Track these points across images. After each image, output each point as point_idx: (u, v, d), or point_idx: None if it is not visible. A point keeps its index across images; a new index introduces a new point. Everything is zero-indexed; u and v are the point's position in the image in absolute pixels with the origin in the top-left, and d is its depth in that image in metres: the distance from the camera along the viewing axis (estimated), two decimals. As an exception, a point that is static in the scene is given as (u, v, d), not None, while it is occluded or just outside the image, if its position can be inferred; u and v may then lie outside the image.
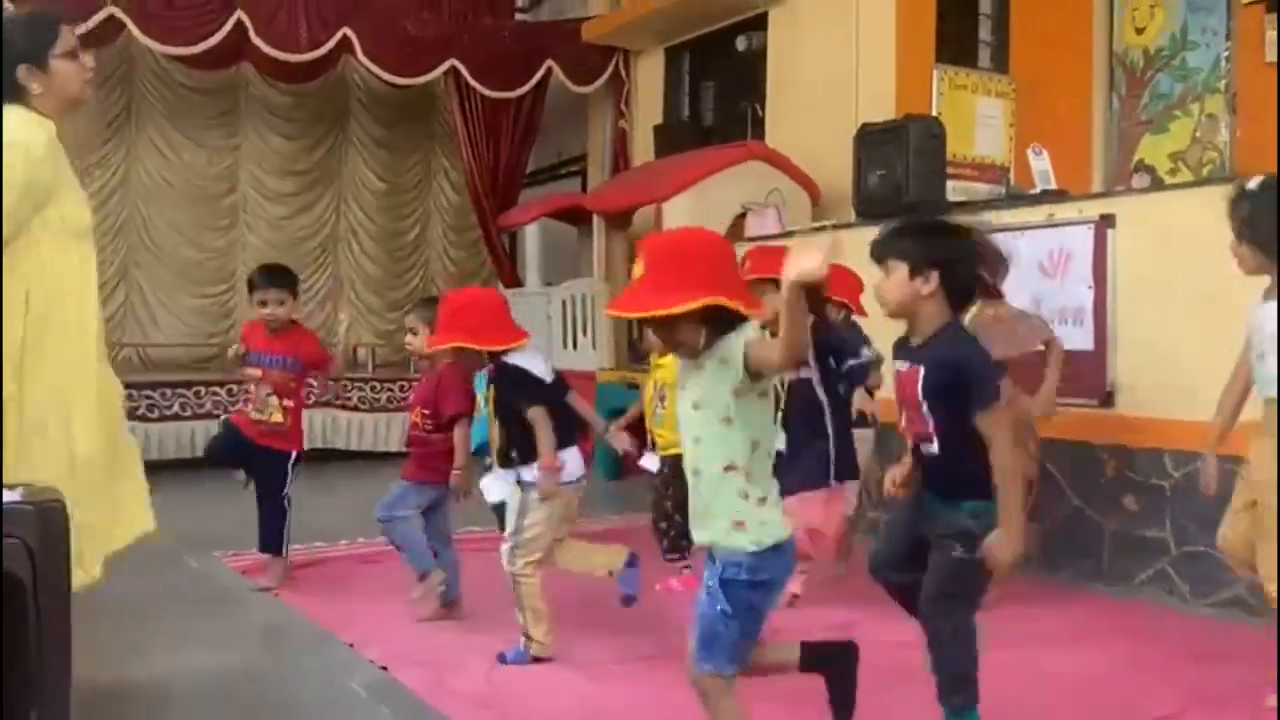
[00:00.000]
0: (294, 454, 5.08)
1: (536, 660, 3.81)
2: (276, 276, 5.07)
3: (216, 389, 9.02)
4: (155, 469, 8.69)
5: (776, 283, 2.51)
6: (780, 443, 3.96)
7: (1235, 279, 4.57)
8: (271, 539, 5.10)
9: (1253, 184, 3.64)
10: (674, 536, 5.01)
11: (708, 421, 2.47)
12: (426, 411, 4.40)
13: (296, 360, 5.00)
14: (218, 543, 5.84)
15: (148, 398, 8.72)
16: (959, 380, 2.78)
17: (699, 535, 2.57)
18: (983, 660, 3.85)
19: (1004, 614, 4.36)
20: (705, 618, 2.51)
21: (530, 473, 3.78)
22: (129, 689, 3.63)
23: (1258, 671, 3.75)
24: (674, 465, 4.92)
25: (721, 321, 2.43)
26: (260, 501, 5.16)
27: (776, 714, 3.08)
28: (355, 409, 9.33)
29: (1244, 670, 3.77)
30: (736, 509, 2.46)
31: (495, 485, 4.46)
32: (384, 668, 3.80)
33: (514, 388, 3.82)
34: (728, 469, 2.46)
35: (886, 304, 2.92)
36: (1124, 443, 4.95)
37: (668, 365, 4.90)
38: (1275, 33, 6.95)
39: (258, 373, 4.99)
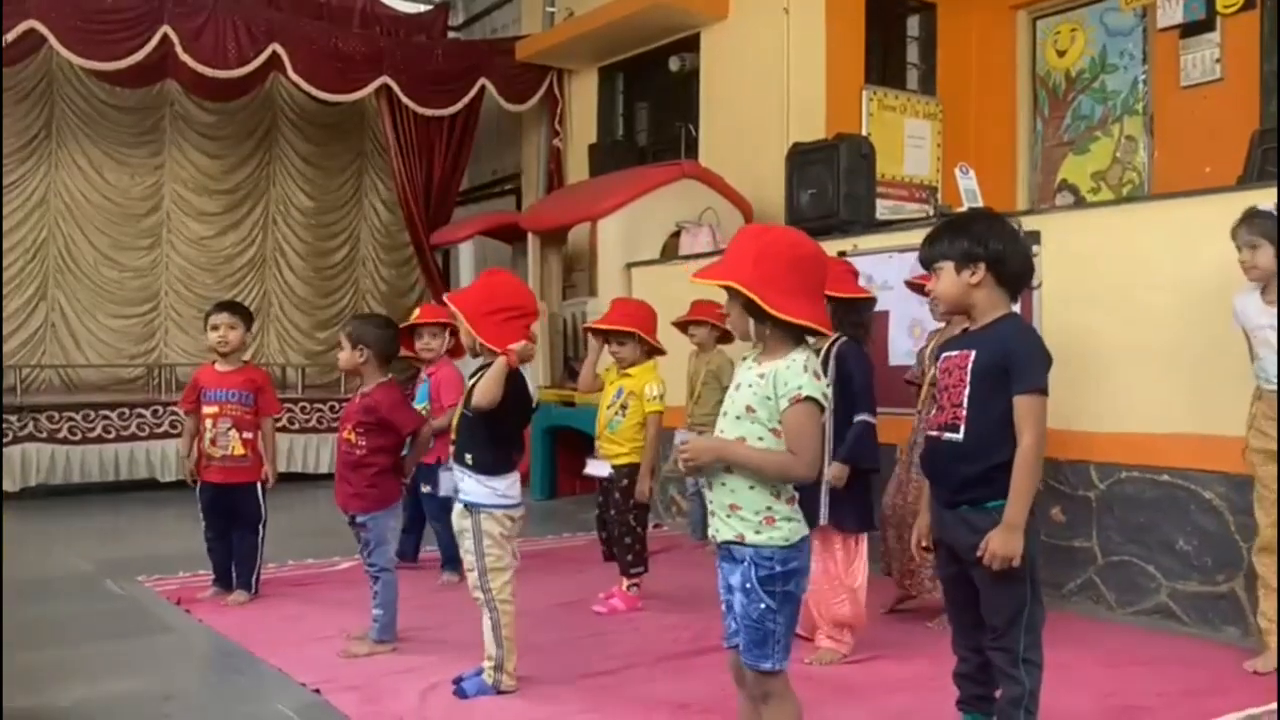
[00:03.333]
0: (260, 483, 5.06)
1: (500, 693, 3.65)
2: (229, 304, 5.26)
3: (141, 410, 8.82)
4: (79, 493, 8.58)
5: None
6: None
7: (1158, 294, 4.73)
8: (246, 574, 5.08)
9: (1266, 206, 3.90)
10: (612, 548, 5.00)
11: (757, 426, 2.51)
12: (359, 429, 4.26)
13: (250, 393, 5.03)
14: (142, 567, 5.70)
15: (69, 420, 8.50)
16: (1009, 362, 2.76)
17: (723, 533, 2.56)
18: (911, 671, 3.92)
19: (934, 626, 4.42)
20: (750, 619, 2.52)
21: (478, 492, 3.65)
22: (52, 715, 3.50)
23: (1178, 679, 3.84)
24: (618, 474, 4.91)
25: (761, 316, 2.49)
26: (233, 537, 5.09)
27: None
28: (285, 430, 9.16)
29: (1165, 678, 3.86)
30: (769, 505, 2.50)
31: (446, 478, 4.34)
32: (316, 690, 3.72)
33: (514, 393, 3.69)
34: None
35: (942, 303, 3.00)
36: (1051, 455, 5.03)
37: (635, 374, 4.89)
38: (1189, 57, 7.18)
39: (213, 408, 4.99)
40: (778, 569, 2.50)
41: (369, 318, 4.63)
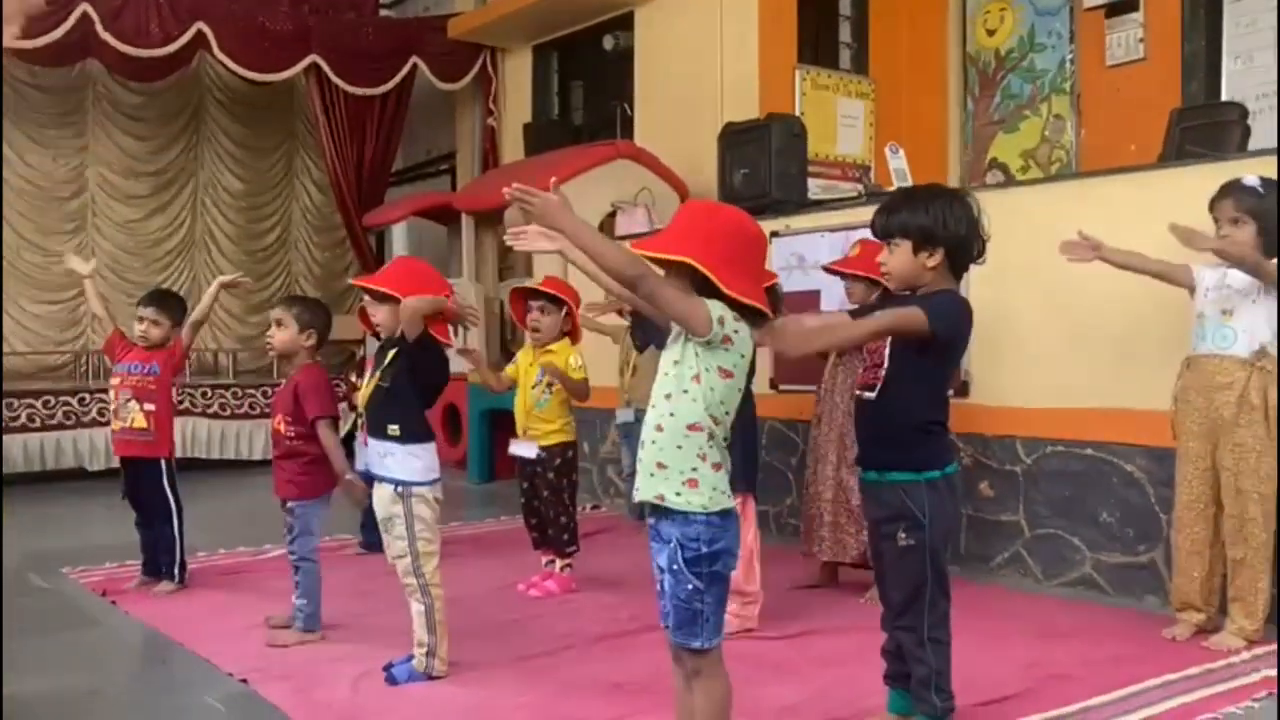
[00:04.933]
0: (163, 459, 4.96)
1: (431, 679, 3.63)
2: (158, 296, 5.10)
3: (67, 398, 8.62)
4: (3, 483, 8.33)
5: None
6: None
7: (1082, 270, 4.80)
8: (170, 564, 4.98)
9: (1251, 180, 3.83)
10: (543, 532, 4.98)
11: (680, 377, 2.49)
12: (289, 418, 4.22)
13: (154, 364, 4.94)
14: (68, 558, 5.59)
15: (-9, 408, 8.28)
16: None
17: (646, 491, 2.54)
18: (841, 645, 3.98)
19: (866, 601, 4.48)
20: (678, 599, 2.52)
21: (407, 467, 3.60)
22: (-33, 716, 3.43)
23: (1102, 648, 3.93)
24: (549, 455, 4.89)
25: (710, 295, 2.44)
26: (148, 524, 5.01)
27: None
28: (216, 416, 9.03)
29: (1089, 647, 3.95)
30: (693, 467, 2.48)
31: (363, 455, 4.29)
32: (244, 681, 3.67)
33: (434, 364, 3.68)
34: (691, 428, 2.47)
35: (891, 278, 2.96)
36: (979, 430, 5.12)
37: (558, 351, 4.86)
38: (1114, 37, 7.29)
39: (115, 380, 4.93)
40: (703, 550, 2.50)
41: (312, 301, 4.52)
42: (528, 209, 2.45)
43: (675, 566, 2.52)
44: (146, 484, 4.96)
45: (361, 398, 3.76)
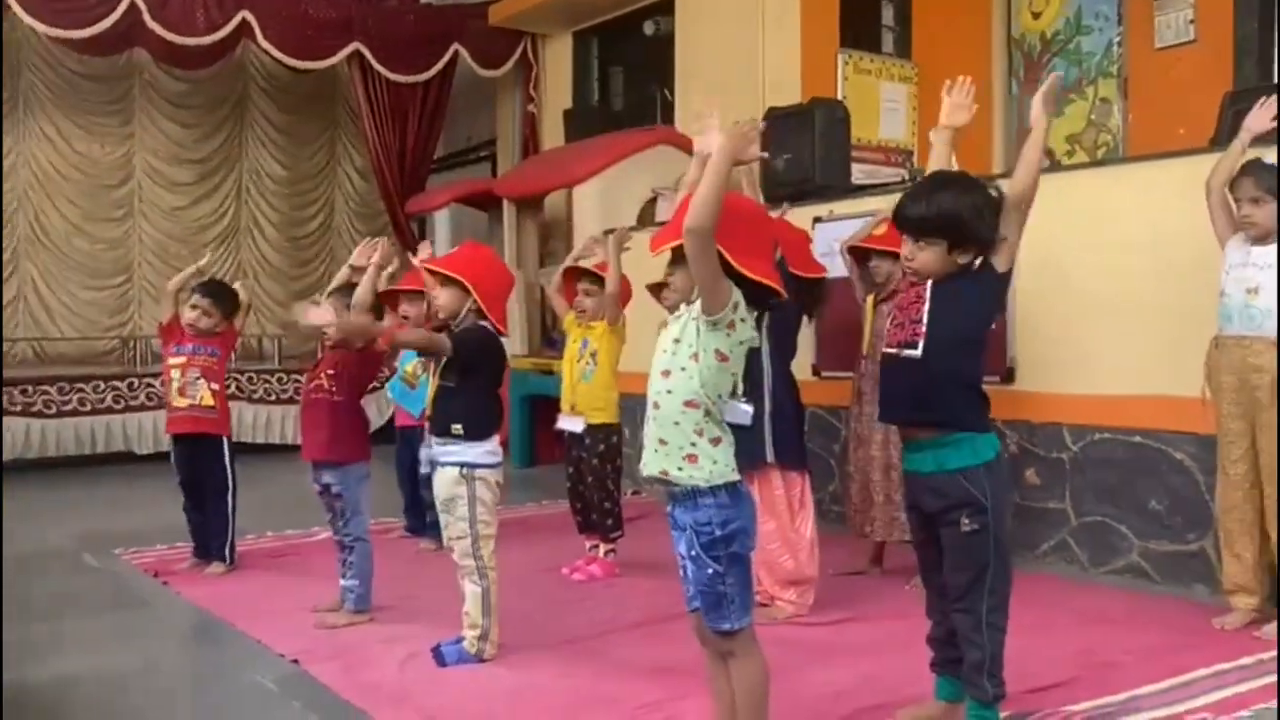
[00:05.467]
0: (225, 437, 5.10)
1: (482, 662, 3.67)
2: (211, 287, 5.22)
3: (116, 383, 8.76)
4: (53, 467, 8.53)
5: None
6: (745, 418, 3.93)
7: (1130, 256, 4.75)
8: (220, 546, 5.07)
9: (1271, 160, 3.81)
10: (588, 516, 5.01)
11: (678, 354, 2.53)
12: (332, 372, 4.20)
13: (214, 346, 5.10)
14: (119, 540, 5.69)
15: (44, 393, 8.44)
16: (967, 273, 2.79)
17: (650, 467, 2.59)
18: (886, 631, 3.97)
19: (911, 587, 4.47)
20: (701, 584, 2.56)
21: (475, 453, 3.64)
22: (28, 692, 3.50)
23: (1150, 636, 3.90)
24: (593, 439, 4.91)
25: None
26: (199, 506, 5.10)
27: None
28: (261, 401, 9.14)
29: (1137, 635, 3.92)
30: (691, 442, 2.52)
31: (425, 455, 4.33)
32: (295, 661, 3.73)
33: (485, 353, 3.71)
34: (688, 404, 2.51)
35: (919, 273, 2.89)
36: (1025, 417, 5.08)
37: (599, 328, 4.89)
38: (1163, 18, 7.18)
39: (180, 359, 5.04)
40: (718, 532, 2.53)
41: (351, 290, 4.57)
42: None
43: (694, 552, 2.56)
44: (208, 461, 5.05)
45: (429, 398, 3.79)
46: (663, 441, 2.55)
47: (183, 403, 5.01)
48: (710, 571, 2.54)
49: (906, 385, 2.87)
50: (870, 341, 4.67)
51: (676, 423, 2.53)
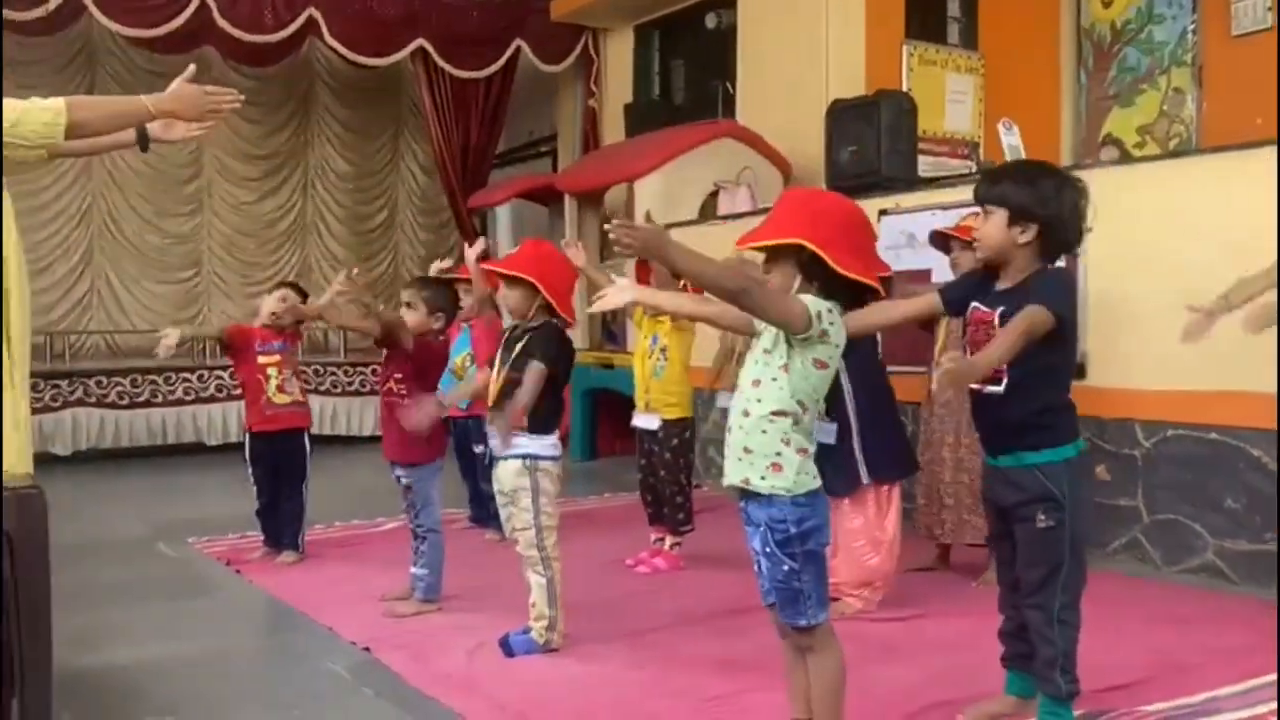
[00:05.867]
0: (308, 430, 5.31)
1: (550, 653, 3.71)
2: (295, 288, 5.47)
3: (187, 375, 8.96)
4: (126, 457, 8.73)
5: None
6: (829, 435, 3.93)
7: (1205, 248, 4.65)
8: (293, 534, 5.22)
9: None
10: (658, 509, 5.02)
11: (769, 365, 2.54)
12: (399, 376, 4.29)
13: (288, 342, 5.29)
14: (191, 529, 5.81)
15: (117, 385, 8.66)
16: (1033, 298, 2.73)
17: (733, 475, 2.60)
18: (956, 628, 3.94)
19: (979, 585, 4.42)
20: (777, 581, 2.56)
21: (539, 445, 3.68)
22: (109, 674, 3.60)
23: (1225, 637, 3.82)
24: (667, 433, 4.92)
25: (820, 277, 2.49)
26: (274, 499, 5.22)
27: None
28: (328, 393, 9.28)
29: (1213, 635, 3.84)
30: (777, 451, 2.51)
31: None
32: (365, 649, 3.79)
33: (559, 348, 3.73)
34: (776, 413, 2.51)
35: (982, 247, 2.89)
36: (1096, 413, 5.00)
37: (667, 323, 4.90)
38: (1240, 5, 7.02)
39: (270, 359, 5.18)
40: (793, 530, 2.52)
41: (438, 283, 4.67)
42: (629, 244, 2.43)
43: (768, 549, 2.56)
44: (292, 451, 5.18)
45: (492, 390, 3.80)
46: (747, 450, 2.55)
47: (284, 399, 5.16)
48: (786, 568, 2.54)
49: (994, 420, 2.87)
50: (944, 344, 4.61)
51: (764, 431, 2.52)
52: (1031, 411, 2.78)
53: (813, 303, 2.47)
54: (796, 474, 2.51)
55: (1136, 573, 4.80)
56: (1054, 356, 2.81)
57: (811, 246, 2.46)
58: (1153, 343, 4.83)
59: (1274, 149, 4.51)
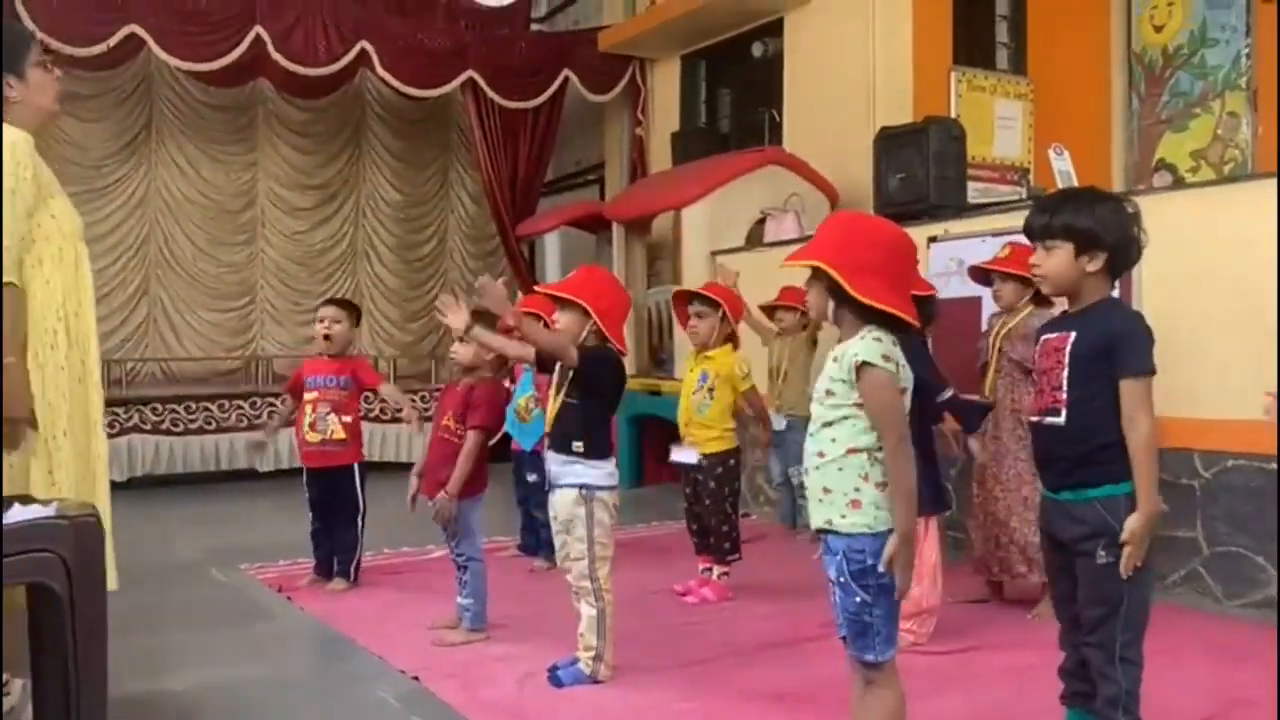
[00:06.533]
0: (356, 464, 5.22)
1: (598, 683, 3.69)
2: (336, 300, 5.51)
3: (240, 402, 9.07)
4: (180, 483, 8.85)
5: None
6: None
7: (1262, 275, 4.57)
8: (346, 564, 5.22)
9: None
10: (705, 538, 4.99)
11: (839, 407, 2.53)
12: (458, 417, 4.29)
13: (347, 378, 5.20)
14: (243, 555, 5.87)
15: (172, 411, 8.78)
16: (1112, 344, 2.70)
17: (816, 518, 2.60)
18: (1009, 661, 3.87)
19: (1033, 618, 4.35)
20: (848, 612, 2.55)
21: (595, 474, 3.67)
22: (163, 699, 3.64)
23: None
24: (711, 463, 4.90)
25: (848, 299, 2.49)
26: (327, 529, 5.24)
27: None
28: (378, 420, 9.36)
29: (1275, 672, 3.74)
30: (855, 488, 2.51)
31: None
32: (415, 678, 3.80)
33: (611, 373, 3.75)
34: (850, 451, 2.51)
35: (1047, 281, 2.85)
36: (1153, 443, 4.91)
37: (717, 358, 4.89)
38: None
39: (312, 394, 5.16)
40: (869, 562, 2.50)
41: (494, 318, 4.62)
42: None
43: (843, 579, 2.54)
44: (341, 490, 5.17)
45: (549, 414, 3.81)
46: (826, 490, 2.54)
47: (314, 438, 5.12)
48: (858, 600, 2.52)
49: (1055, 453, 2.82)
50: (993, 381, 4.56)
51: (840, 469, 2.52)
52: (1096, 447, 2.73)
53: (865, 350, 2.47)
54: (875, 510, 2.50)
55: (1195, 605, 4.70)
56: (1116, 389, 2.76)
57: (828, 270, 2.46)
58: (1210, 370, 4.75)
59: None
